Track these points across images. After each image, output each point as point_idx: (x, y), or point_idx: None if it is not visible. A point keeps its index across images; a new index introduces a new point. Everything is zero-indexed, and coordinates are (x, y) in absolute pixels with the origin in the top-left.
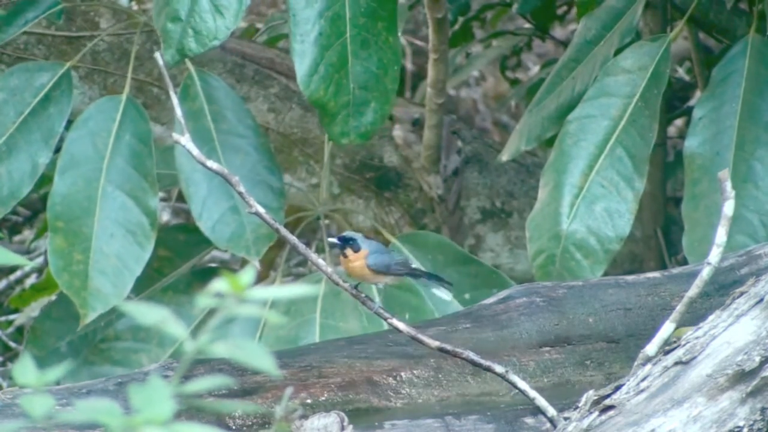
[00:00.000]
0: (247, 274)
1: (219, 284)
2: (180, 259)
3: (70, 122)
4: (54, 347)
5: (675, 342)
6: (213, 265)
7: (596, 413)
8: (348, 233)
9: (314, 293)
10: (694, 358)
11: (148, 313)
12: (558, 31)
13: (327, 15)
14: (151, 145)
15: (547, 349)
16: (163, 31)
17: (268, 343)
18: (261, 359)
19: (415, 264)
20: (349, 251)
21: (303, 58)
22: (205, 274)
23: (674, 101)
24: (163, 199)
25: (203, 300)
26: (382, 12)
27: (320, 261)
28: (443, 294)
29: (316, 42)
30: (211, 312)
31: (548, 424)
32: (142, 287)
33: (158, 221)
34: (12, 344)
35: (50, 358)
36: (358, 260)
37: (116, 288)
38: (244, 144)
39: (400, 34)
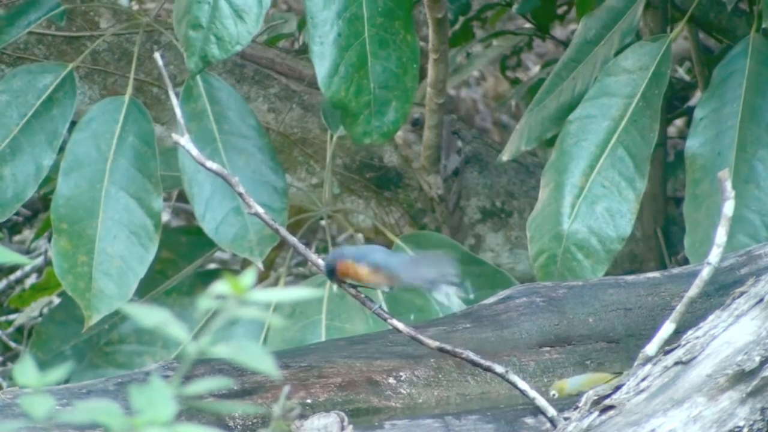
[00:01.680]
0: (248, 276)
1: (220, 286)
2: (183, 261)
3: (73, 123)
4: (58, 351)
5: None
6: (216, 267)
7: (596, 413)
8: (333, 256)
9: (317, 295)
10: (694, 358)
11: (149, 315)
12: (558, 31)
13: (345, 16)
14: (154, 146)
15: (547, 349)
16: (185, 39)
17: (274, 344)
18: (262, 361)
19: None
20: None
21: (323, 59)
22: (208, 276)
23: (674, 101)
24: (163, 200)
25: (204, 302)
26: (399, 11)
27: (320, 261)
28: (445, 297)
29: (335, 43)
30: (215, 314)
31: (548, 424)
32: (146, 290)
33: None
34: (12, 344)
35: (55, 361)
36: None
37: (120, 290)
38: (248, 145)
39: None
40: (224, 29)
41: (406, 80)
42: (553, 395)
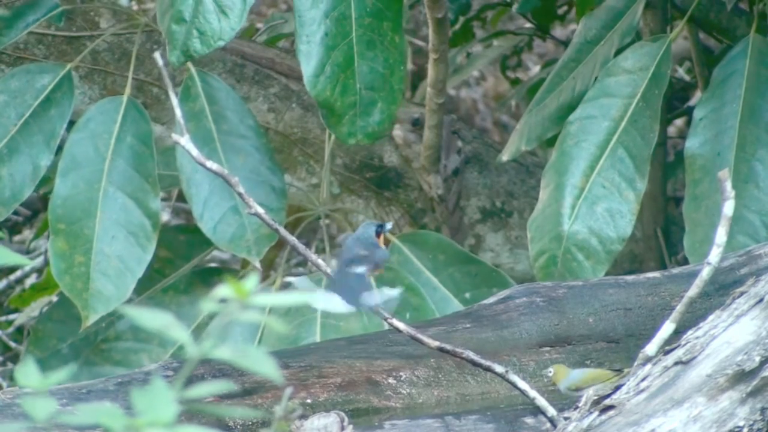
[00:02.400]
0: (251, 281)
1: (223, 290)
2: (180, 260)
3: (71, 123)
4: (55, 349)
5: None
6: (214, 265)
7: (596, 413)
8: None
9: (316, 298)
10: (694, 358)
11: (152, 318)
12: (558, 31)
13: (333, 15)
14: (152, 146)
15: (547, 349)
16: (167, 32)
17: (269, 342)
18: (264, 364)
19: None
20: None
21: (309, 58)
22: (206, 275)
23: (674, 101)
24: (163, 199)
25: (207, 305)
26: (387, 12)
27: (320, 261)
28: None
29: (322, 42)
30: (213, 312)
31: (548, 424)
32: (143, 288)
33: (160, 222)
34: (12, 344)
35: (51, 359)
36: None
37: (118, 290)
38: (246, 145)
39: None
40: (207, 24)
41: (392, 81)
42: (549, 372)
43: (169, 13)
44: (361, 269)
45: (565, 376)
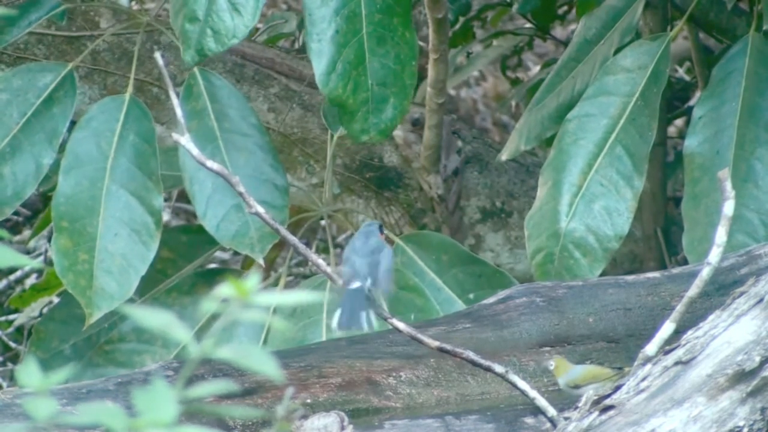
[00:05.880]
0: (252, 280)
1: (224, 289)
2: (183, 261)
3: (73, 123)
4: (58, 350)
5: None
6: (216, 266)
7: (596, 413)
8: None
9: (320, 299)
10: (694, 358)
11: (153, 318)
12: (558, 31)
13: (343, 13)
14: (155, 144)
15: (547, 349)
16: (181, 31)
17: (275, 343)
18: (265, 365)
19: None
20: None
21: (320, 56)
22: (209, 276)
23: (674, 101)
24: (163, 200)
25: (208, 305)
26: (397, 8)
27: (320, 261)
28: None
29: (332, 40)
30: (216, 313)
31: (548, 424)
32: (146, 289)
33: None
34: (12, 344)
35: (54, 360)
36: None
37: (121, 287)
38: (248, 143)
39: None
40: (221, 22)
41: (404, 77)
42: (550, 365)
43: (183, 13)
44: (358, 284)
45: (566, 370)
